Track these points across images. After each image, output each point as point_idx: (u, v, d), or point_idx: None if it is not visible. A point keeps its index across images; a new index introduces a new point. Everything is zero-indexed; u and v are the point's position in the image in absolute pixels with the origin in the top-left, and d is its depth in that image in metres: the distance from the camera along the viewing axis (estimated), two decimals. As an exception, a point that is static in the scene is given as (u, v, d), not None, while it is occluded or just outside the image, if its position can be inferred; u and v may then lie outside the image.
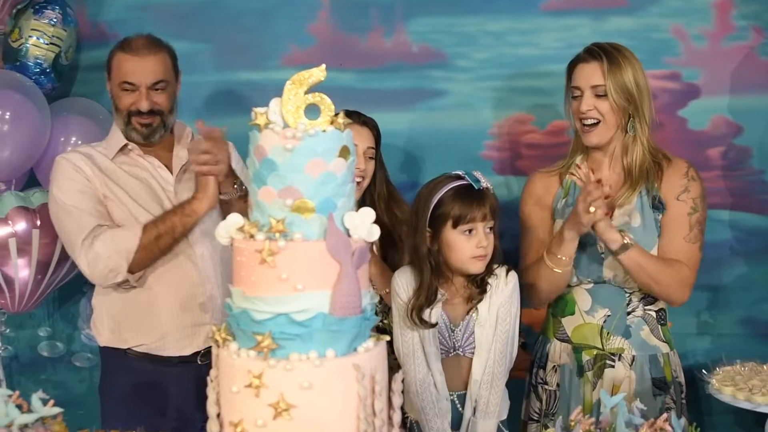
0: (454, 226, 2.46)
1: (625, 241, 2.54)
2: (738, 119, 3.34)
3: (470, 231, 2.46)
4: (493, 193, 2.51)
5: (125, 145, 2.82)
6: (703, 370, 2.78)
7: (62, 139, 3.33)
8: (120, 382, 2.83)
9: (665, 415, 1.97)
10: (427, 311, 2.49)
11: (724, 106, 3.34)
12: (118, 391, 2.83)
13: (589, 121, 2.65)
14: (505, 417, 2.58)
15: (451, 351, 2.53)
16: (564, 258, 2.58)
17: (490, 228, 2.48)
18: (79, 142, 3.28)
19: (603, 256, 2.64)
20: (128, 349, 2.80)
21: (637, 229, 2.63)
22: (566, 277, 2.64)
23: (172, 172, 2.84)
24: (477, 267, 2.48)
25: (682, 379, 2.75)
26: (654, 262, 2.60)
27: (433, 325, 2.49)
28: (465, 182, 2.48)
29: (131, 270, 2.66)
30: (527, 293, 2.68)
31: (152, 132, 2.80)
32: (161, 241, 2.65)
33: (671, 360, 2.72)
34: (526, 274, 2.70)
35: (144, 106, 2.75)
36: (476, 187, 2.45)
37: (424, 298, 2.49)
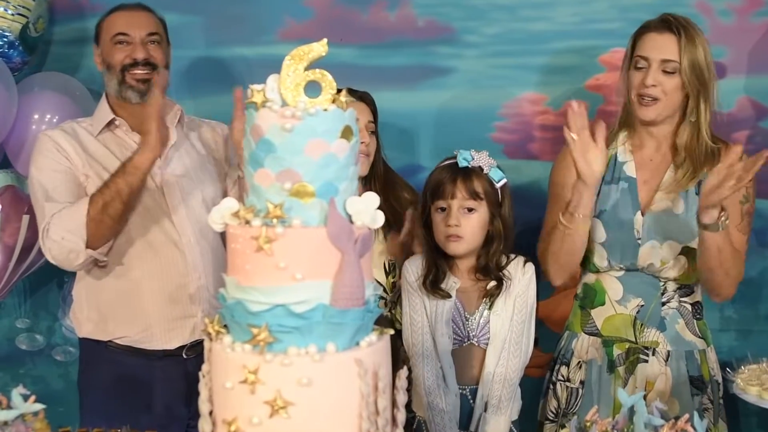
0: (431, 201, 2.59)
1: (723, 219, 2.43)
2: (766, 101, 3.34)
3: (443, 209, 2.56)
4: (487, 176, 2.57)
5: (112, 120, 2.83)
6: (727, 369, 2.79)
7: (35, 116, 3.33)
8: (100, 376, 2.84)
9: (686, 416, 1.97)
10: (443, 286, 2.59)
11: (751, 87, 3.34)
12: (99, 386, 2.84)
13: (649, 97, 2.61)
14: (515, 417, 2.60)
15: (465, 340, 2.58)
16: (580, 215, 2.52)
17: (469, 209, 2.55)
18: (55, 120, 3.28)
19: (639, 242, 2.63)
20: (110, 341, 2.81)
21: (678, 217, 2.61)
22: (583, 238, 2.58)
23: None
24: (450, 248, 2.57)
25: (719, 377, 2.75)
26: (731, 250, 2.53)
27: (448, 295, 2.56)
28: (453, 160, 2.58)
29: (91, 246, 2.65)
30: (543, 264, 2.69)
31: (149, 87, 2.80)
32: (110, 208, 2.63)
33: (708, 357, 2.71)
34: (543, 242, 2.69)
35: (140, 54, 2.79)
36: (459, 164, 2.55)
37: (433, 276, 2.58)
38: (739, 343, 3.36)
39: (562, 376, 2.79)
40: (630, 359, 2.67)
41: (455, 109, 3.44)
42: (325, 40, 1.76)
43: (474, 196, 2.55)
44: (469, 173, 2.56)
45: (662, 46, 2.59)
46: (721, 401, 2.73)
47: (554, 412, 2.81)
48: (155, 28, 2.86)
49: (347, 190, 1.77)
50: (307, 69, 1.75)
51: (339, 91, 1.76)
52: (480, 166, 2.57)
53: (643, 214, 2.65)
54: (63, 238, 2.64)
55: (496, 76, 3.44)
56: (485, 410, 2.54)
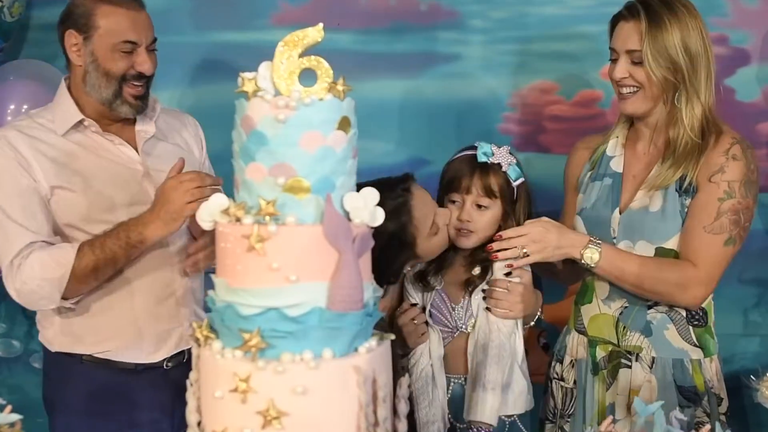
0: (446, 192, 2.67)
1: (584, 254, 2.54)
2: (793, 90, 3.35)
3: (455, 202, 2.65)
4: (505, 173, 2.63)
5: (80, 121, 2.68)
6: (751, 376, 2.78)
7: (11, 107, 3.32)
8: (75, 393, 2.74)
9: (708, 426, 1.97)
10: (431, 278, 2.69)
11: (778, 75, 3.35)
12: (73, 405, 2.75)
13: (626, 90, 2.61)
14: (521, 411, 2.67)
15: (455, 331, 2.67)
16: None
17: (482, 206, 2.63)
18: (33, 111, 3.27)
19: (615, 241, 2.63)
20: (85, 355, 2.71)
21: (653, 215, 2.58)
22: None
23: (137, 150, 2.73)
24: (460, 241, 2.66)
25: (720, 390, 2.70)
26: (638, 263, 2.55)
27: (432, 287, 2.69)
28: (473, 152, 2.65)
29: (66, 297, 2.56)
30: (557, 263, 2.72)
31: (145, 104, 2.69)
32: (101, 272, 2.54)
33: (703, 368, 2.66)
34: None
35: (148, 67, 2.64)
36: (477, 159, 2.62)
37: (435, 265, 2.69)
38: (763, 348, 3.37)
39: (557, 374, 2.81)
40: (612, 363, 2.67)
41: (460, 99, 3.45)
42: (321, 25, 1.76)
43: (489, 194, 2.63)
44: (487, 169, 2.63)
45: (626, 36, 2.56)
46: (723, 415, 2.70)
47: (552, 412, 2.83)
48: (153, 32, 2.69)
49: (345, 186, 1.77)
50: (301, 56, 1.76)
51: (336, 80, 1.76)
52: (499, 163, 2.63)
53: (621, 212, 2.64)
54: (39, 285, 2.52)
55: (504, 64, 3.44)
56: (473, 390, 2.58)
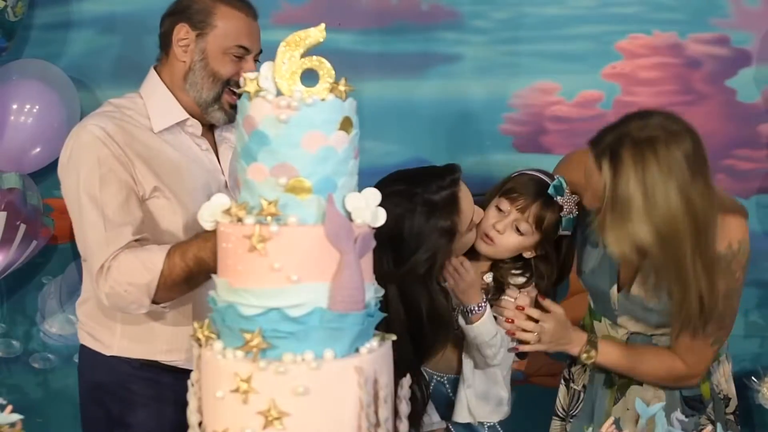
0: (499, 194, 2.60)
1: (581, 354, 2.56)
2: (794, 91, 3.34)
3: (500, 210, 2.57)
4: (560, 217, 2.57)
5: (185, 120, 2.59)
6: (753, 377, 2.78)
7: (14, 106, 3.33)
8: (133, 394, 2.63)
9: (710, 427, 1.97)
10: None
11: (779, 76, 3.34)
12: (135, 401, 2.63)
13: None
14: (496, 420, 2.68)
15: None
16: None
17: (522, 231, 2.56)
18: (35, 109, 3.28)
19: (616, 313, 2.63)
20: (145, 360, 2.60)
21: (650, 310, 2.55)
22: None
23: (218, 159, 2.65)
24: (482, 247, 2.59)
25: (729, 390, 2.70)
26: (630, 363, 2.58)
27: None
28: (547, 179, 2.59)
29: (156, 302, 2.41)
30: None
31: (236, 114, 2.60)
32: (192, 280, 2.36)
33: (712, 376, 2.66)
34: None
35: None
36: (548, 191, 2.55)
37: None
38: (764, 349, 3.36)
39: (570, 374, 2.81)
40: (622, 379, 2.66)
41: (461, 100, 3.45)
42: (323, 25, 1.77)
43: (537, 224, 2.57)
44: (550, 203, 2.57)
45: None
46: (730, 416, 2.70)
47: (563, 410, 2.83)
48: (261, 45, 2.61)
49: (346, 186, 1.77)
50: (303, 56, 1.76)
51: (338, 81, 1.76)
52: (562, 206, 2.58)
53: (619, 290, 2.60)
54: (125, 290, 2.37)
55: (506, 64, 3.44)
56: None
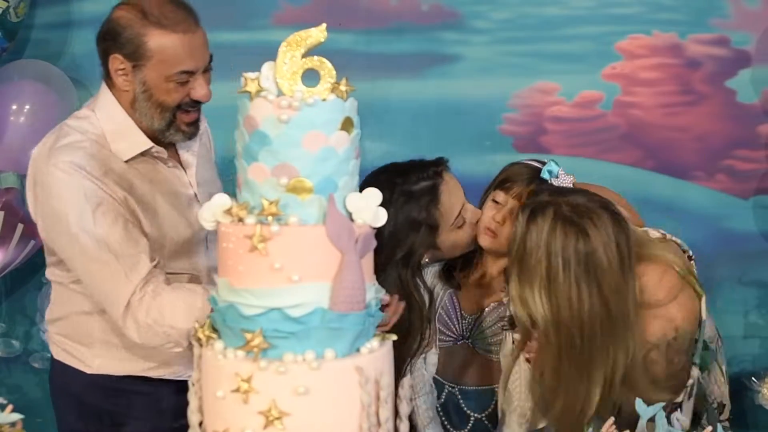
0: (494, 188, 2.58)
1: None
2: (794, 92, 3.35)
3: (497, 202, 2.55)
4: None
5: (149, 149, 2.41)
6: (753, 378, 2.78)
7: (14, 107, 3.33)
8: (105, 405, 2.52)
9: (710, 427, 1.97)
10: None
11: (778, 77, 3.35)
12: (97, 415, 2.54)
13: None
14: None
15: (459, 339, 2.63)
16: None
17: None
18: (35, 110, 3.28)
19: None
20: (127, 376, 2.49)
21: None
22: None
23: (185, 170, 2.51)
24: (483, 240, 2.56)
25: (722, 397, 2.68)
26: None
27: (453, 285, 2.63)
28: (538, 164, 2.58)
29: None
30: None
31: (197, 128, 2.45)
32: None
33: (704, 382, 2.61)
34: None
35: (204, 94, 2.35)
36: (542, 175, 2.52)
37: (461, 262, 2.64)
38: (763, 350, 3.36)
39: None
40: None
41: (461, 100, 3.45)
42: (324, 26, 1.77)
43: None
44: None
45: None
46: (725, 422, 2.69)
47: None
48: (208, 48, 2.40)
49: (347, 186, 1.77)
50: (304, 56, 1.76)
51: (339, 81, 1.77)
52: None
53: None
54: (166, 332, 2.25)
55: (506, 65, 3.44)
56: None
